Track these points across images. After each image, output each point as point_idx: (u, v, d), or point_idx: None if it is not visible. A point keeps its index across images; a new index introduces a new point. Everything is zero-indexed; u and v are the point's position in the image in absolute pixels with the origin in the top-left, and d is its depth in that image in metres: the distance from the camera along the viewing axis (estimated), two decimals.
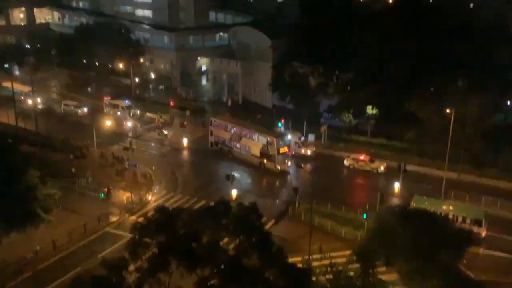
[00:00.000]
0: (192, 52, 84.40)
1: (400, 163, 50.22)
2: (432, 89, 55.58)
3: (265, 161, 54.97)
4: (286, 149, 55.31)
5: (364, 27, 60.30)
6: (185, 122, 67.91)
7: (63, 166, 54.24)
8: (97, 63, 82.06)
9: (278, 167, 54.38)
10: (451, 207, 43.64)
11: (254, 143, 56.40)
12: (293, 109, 67.24)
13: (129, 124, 66.09)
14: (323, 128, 62.01)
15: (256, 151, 56.00)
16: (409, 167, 52.34)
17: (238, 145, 57.82)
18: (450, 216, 41.37)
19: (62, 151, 57.85)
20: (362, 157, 56.08)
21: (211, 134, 60.32)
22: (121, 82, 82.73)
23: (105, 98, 72.89)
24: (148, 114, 71.59)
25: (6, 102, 67.26)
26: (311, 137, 62.36)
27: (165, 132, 63.60)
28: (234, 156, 57.88)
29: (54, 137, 60.47)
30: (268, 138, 55.19)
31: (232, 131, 58.60)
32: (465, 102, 50.15)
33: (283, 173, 54.38)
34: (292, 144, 58.74)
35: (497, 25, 59.99)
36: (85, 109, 71.55)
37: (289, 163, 54.97)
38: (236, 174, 51.37)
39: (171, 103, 74.05)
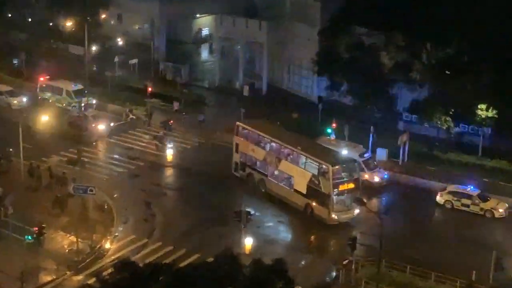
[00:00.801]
0: (187, 4, 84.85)
1: None
2: None
3: (313, 203, 53.93)
4: (352, 185, 53.43)
5: None
6: (171, 121, 68.11)
7: None
8: (29, 20, 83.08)
9: (334, 216, 52.85)
10: None
11: (299, 171, 54.90)
12: (352, 105, 67.03)
13: (78, 120, 66.72)
14: (403, 139, 61.66)
15: (301, 184, 55.07)
16: None
17: (275, 172, 56.94)
18: None
19: None
20: (467, 191, 55.57)
21: (237, 151, 59.80)
22: (69, 52, 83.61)
23: (41, 78, 73.92)
24: (110, 105, 72.30)
25: None
26: (382, 154, 62.38)
27: (168, 144, 62.21)
28: (269, 190, 56.96)
29: None
30: (320, 163, 53.14)
31: (268, 148, 57.47)
32: None
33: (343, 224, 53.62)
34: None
35: None
36: (24, 99, 72.37)
37: (357, 209, 53.06)
38: (252, 211, 51.11)
39: (149, 89, 74.54)
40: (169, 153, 62.50)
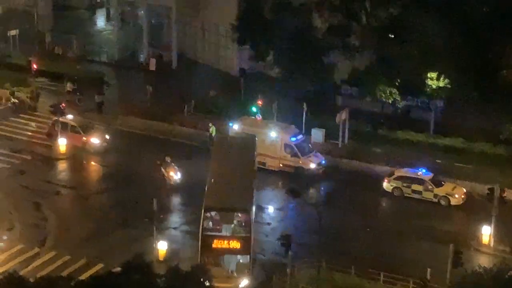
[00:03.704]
0: None
1: (493, 187, 50.58)
2: None
3: None
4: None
5: None
6: (63, 104, 67.32)
7: None
8: None
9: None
10: None
11: None
12: (280, 78, 67.42)
13: None
14: (342, 117, 62.31)
15: None
16: (511, 194, 52.90)
17: None
18: None
19: None
20: (419, 175, 56.52)
21: None
22: None
23: None
24: None
25: None
26: (318, 135, 63.05)
27: (175, 175, 58.38)
28: None
29: None
30: None
31: None
32: None
33: None
34: (279, 149, 59.08)
35: None
36: None
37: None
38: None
39: (34, 66, 74.04)
40: (61, 143, 61.79)
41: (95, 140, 62.00)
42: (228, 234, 45.64)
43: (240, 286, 44.20)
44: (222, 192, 48.26)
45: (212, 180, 49.89)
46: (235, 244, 45.10)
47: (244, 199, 47.27)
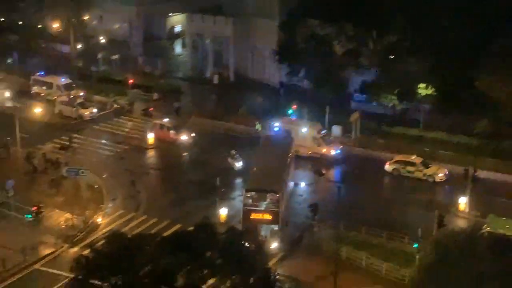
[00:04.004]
0: (161, 5, 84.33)
1: (468, 168, 50.17)
2: None
3: None
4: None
5: None
6: (151, 109, 67.85)
7: None
8: (20, 23, 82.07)
9: None
10: None
11: None
12: (310, 89, 67.14)
13: (68, 110, 66.35)
14: (355, 117, 62.03)
15: None
16: (481, 173, 52.37)
17: None
18: None
19: None
20: (412, 160, 56.11)
21: None
22: (57, 50, 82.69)
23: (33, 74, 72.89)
24: (96, 97, 71.61)
25: None
26: (337, 130, 62.57)
27: (237, 163, 56.47)
28: None
29: None
30: None
31: None
32: None
33: None
34: (309, 141, 58.97)
35: None
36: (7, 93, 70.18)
37: None
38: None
39: (130, 81, 74.24)
40: (150, 136, 62.29)
41: (184, 137, 61.58)
42: (262, 209, 45.54)
43: (271, 247, 43.79)
44: (260, 178, 48.23)
45: (254, 168, 50.31)
46: (267, 217, 45.05)
47: (275, 184, 46.84)
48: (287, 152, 53.14)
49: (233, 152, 56.56)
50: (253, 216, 44.87)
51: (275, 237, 44.78)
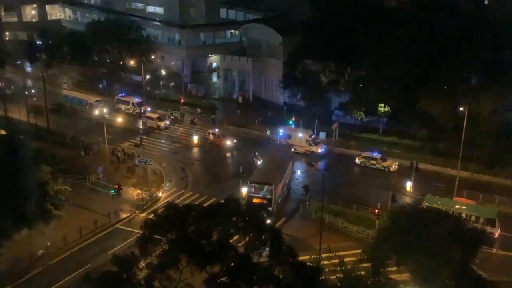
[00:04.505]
0: (203, 49, 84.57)
1: (413, 162, 49.91)
2: (445, 86, 55.16)
3: None
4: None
5: (376, 24, 59.93)
6: (196, 119, 68.05)
7: (74, 162, 54.65)
8: (108, 60, 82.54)
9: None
10: (464, 207, 43.34)
11: None
12: (304, 106, 67.12)
13: (151, 122, 66.34)
14: (335, 126, 61.81)
15: None
16: (422, 166, 52.01)
17: None
18: (463, 215, 41.07)
19: (73, 147, 58.35)
20: (373, 155, 55.79)
21: None
22: (132, 79, 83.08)
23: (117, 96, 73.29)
24: (159, 111, 71.79)
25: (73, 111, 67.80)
26: (322, 135, 62.23)
27: (258, 161, 53.71)
28: None
29: (65, 134, 60.97)
30: None
31: None
32: (478, 99, 49.78)
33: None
34: (303, 142, 58.69)
35: (510, 20, 59.26)
36: (105, 108, 69.29)
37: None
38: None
39: (182, 100, 74.29)
40: (195, 138, 62.38)
41: (229, 142, 60.57)
42: (261, 196, 44.92)
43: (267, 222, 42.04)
44: (261, 174, 47.26)
45: (259, 167, 49.88)
46: (264, 201, 44.21)
47: (271, 179, 45.51)
48: (284, 158, 51.81)
49: (257, 153, 55.37)
50: (254, 200, 44.07)
51: (270, 216, 42.96)
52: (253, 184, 45.58)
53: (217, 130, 62.75)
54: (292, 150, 57.27)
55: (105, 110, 68.76)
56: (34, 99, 70.98)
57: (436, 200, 43.88)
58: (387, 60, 58.25)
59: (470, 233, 30.83)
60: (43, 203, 37.62)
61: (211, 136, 61.93)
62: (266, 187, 45.07)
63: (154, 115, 68.12)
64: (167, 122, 67.17)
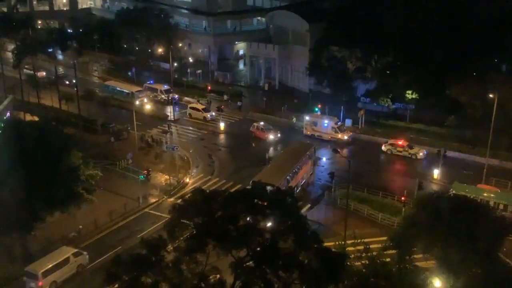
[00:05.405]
0: (230, 36, 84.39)
1: (440, 149, 49.17)
2: (474, 73, 53.96)
3: None
4: None
5: (404, 9, 58.79)
6: (222, 106, 68.15)
7: (104, 148, 55.54)
8: (137, 48, 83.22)
9: None
10: (492, 195, 42.51)
11: None
12: (330, 93, 66.53)
13: (195, 114, 65.18)
14: (361, 113, 61.18)
15: None
16: (449, 153, 51.28)
17: None
18: (491, 203, 40.29)
19: (103, 133, 59.26)
20: (400, 143, 55.12)
21: None
22: (160, 67, 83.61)
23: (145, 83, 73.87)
24: (186, 98, 72.15)
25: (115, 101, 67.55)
26: (348, 122, 61.68)
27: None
28: None
29: (96, 120, 61.94)
30: None
31: None
32: (508, 86, 48.57)
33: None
34: (329, 129, 58.33)
35: None
36: (140, 95, 68.56)
37: None
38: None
39: (209, 87, 74.38)
40: (221, 125, 62.55)
41: (272, 136, 58.09)
42: None
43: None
44: (267, 173, 43.14)
45: (268, 165, 46.80)
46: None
47: (276, 180, 40.84)
48: (300, 157, 46.96)
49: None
50: None
51: None
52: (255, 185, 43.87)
53: (262, 123, 59.72)
54: (316, 136, 56.65)
55: (145, 100, 68.65)
56: (67, 83, 72.14)
57: (464, 188, 43.14)
58: (415, 46, 57.18)
59: (498, 221, 30.25)
60: (75, 187, 38.39)
61: (256, 129, 59.11)
62: (269, 188, 43.64)
63: (200, 106, 65.82)
64: (213, 114, 64.76)
